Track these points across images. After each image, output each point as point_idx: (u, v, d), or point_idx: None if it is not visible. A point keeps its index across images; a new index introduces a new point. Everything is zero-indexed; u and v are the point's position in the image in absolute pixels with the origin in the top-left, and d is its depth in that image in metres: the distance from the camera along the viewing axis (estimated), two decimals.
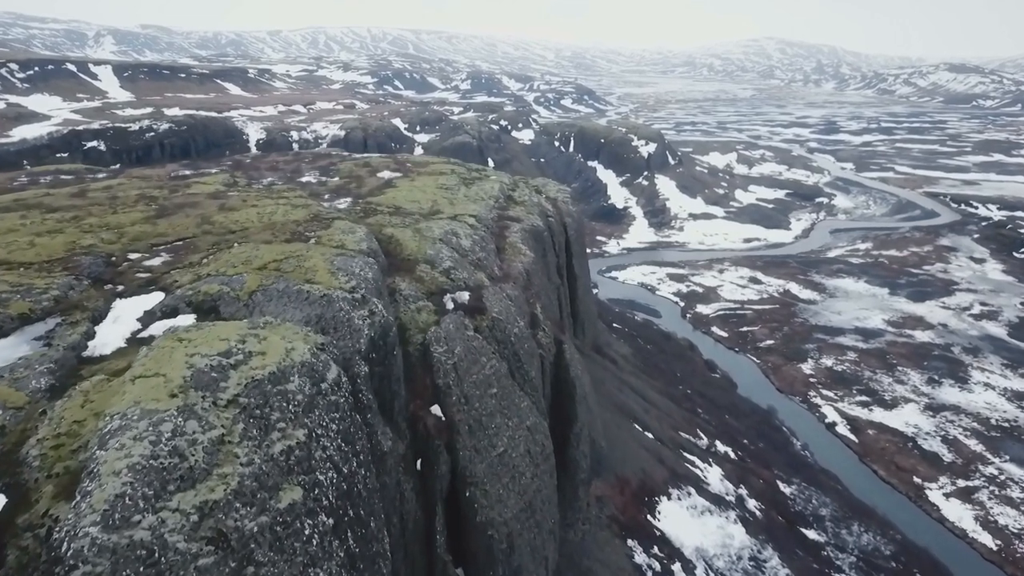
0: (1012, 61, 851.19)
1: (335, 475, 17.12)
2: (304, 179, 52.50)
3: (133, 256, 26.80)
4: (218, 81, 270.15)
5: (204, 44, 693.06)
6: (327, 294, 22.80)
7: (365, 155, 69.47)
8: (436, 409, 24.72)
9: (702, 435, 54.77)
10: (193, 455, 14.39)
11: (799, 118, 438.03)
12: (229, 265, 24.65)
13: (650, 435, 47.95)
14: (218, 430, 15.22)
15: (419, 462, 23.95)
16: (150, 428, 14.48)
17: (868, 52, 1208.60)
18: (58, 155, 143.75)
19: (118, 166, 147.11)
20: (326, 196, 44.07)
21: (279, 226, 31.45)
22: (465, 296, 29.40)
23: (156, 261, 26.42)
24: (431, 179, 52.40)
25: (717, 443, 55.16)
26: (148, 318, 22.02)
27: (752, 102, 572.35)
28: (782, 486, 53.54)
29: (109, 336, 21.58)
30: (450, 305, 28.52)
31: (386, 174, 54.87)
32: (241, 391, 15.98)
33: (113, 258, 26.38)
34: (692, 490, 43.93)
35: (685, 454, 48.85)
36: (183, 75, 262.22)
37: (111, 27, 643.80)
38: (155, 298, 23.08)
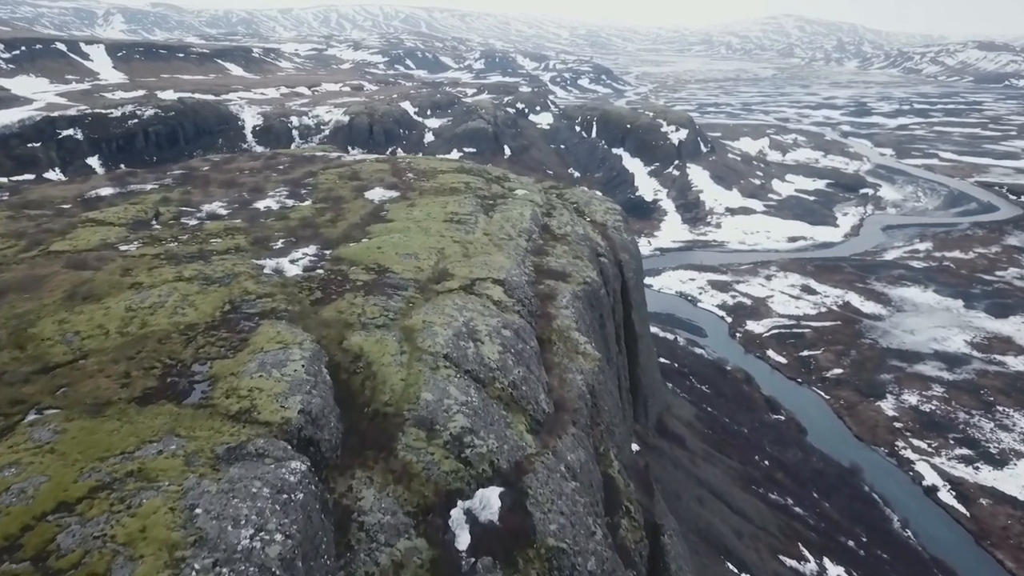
0: None
1: None
2: (263, 203, 38.09)
3: None
4: (219, 61, 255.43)
5: (215, 23, 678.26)
6: None
7: (357, 159, 55.14)
8: None
9: (806, 552, 40.59)
10: None
11: (826, 99, 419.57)
12: None
13: None
14: None
15: None
16: None
17: (887, 29, 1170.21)
18: (30, 145, 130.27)
19: (96, 157, 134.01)
20: (279, 243, 29.55)
21: (151, 346, 17.01)
22: (494, 502, 14.80)
23: None
24: (438, 203, 37.84)
25: (826, 563, 40.82)
26: None
27: (775, 82, 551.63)
28: None
29: None
30: (464, 539, 13.84)
31: (377, 194, 40.45)
32: None
33: None
34: None
35: None
36: (181, 55, 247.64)
37: (121, 5, 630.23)
38: None
